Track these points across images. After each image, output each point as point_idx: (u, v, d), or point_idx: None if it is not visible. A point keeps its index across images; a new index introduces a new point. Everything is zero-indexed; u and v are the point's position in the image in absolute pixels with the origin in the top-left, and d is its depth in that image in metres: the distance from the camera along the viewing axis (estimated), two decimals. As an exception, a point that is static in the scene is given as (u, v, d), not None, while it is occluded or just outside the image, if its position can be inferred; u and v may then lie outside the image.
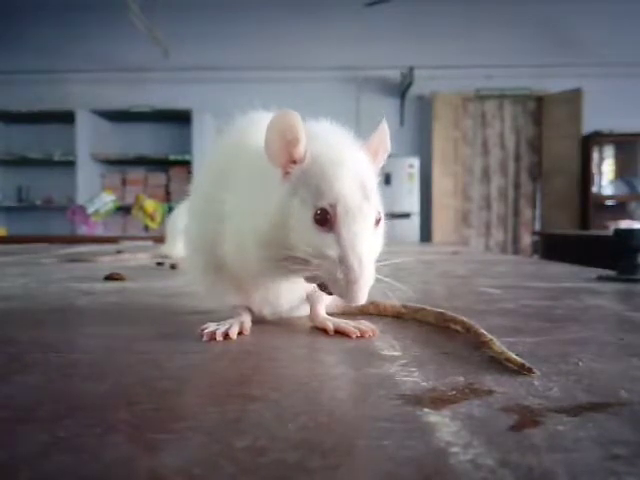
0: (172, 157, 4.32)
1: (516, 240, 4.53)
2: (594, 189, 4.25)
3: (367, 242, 0.42)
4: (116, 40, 4.34)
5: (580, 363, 0.39)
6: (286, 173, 0.44)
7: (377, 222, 0.44)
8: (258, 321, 0.54)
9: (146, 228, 3.31)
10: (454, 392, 0.33)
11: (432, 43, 4.36)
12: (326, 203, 0.41)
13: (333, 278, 0.41)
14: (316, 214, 0.41)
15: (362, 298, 0.41)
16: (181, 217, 1.36)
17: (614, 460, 0.23)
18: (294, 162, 0.43)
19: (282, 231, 0.43)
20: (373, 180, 0.45)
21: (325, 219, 0.41)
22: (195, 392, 0.34)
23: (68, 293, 0.80)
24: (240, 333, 0.49)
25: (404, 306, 0.59)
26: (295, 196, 0.42)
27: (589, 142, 4.21)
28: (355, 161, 0.44)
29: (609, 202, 4.38)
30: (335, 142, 0.45)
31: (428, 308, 0.56)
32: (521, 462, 0.23)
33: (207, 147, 4.18)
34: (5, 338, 0.49)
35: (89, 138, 4.27)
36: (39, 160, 4.37)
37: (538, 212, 4.50)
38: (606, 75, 4.25)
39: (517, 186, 4.52)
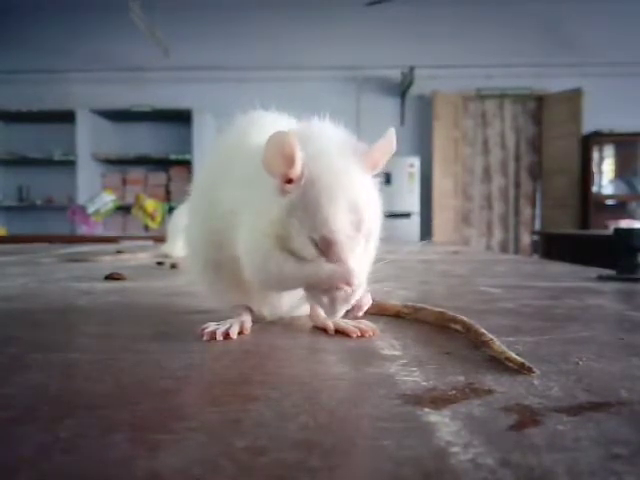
0: (172, 157, 4.32)
1: (517, 239, 4.53)
2: (594, 189, 4.25)
3: (357, 265, 0.43)
4: (116, 40, 4.34)
5: (580, 363, 0.39)
6: (284, 191, 0.43)
7: (368, 239, 0.45)
8: (258, 321, 0.54)
9: (146, 228, 3.31)
10: (454, 392, 0.33)
11: (432, 43, 4.36)
12: (319, 236, 0.42)
13: (321, 293, 0.44)
14: (312, 239, 0.42)
15: (340, 313, 0.44)
16: (182, 217, 1.36)
17: (614, 460, 0.23)
18: (291, 181, 0.43)
19: (283, 234, 0.43)
20: (369, 199, 0.45)
21: (318, 246, 0.43)
22: (195, 392, 0.34)
23: (68, 293, 0.80)
24: (240, 333, 0.49)
25: (404, 306, 0.59)
26: (293, 217, 0.43)
27: (589, 142, 4.21)
28: (351, 186, 0.43)
29: (609, 202, 4.37)
30: (333, 163, 0.44)
31: (428, 308, 0.56)
32: (521, 462, 0.23)
33: (207, 147, 4.18)
34: (5, 338, 0.50)
35: (89, 138, 4.27)
36: (39, 160, 4.37)
37: (538, 211, 4.50)
38: (606, 75, 4.25)
39: (517, 186, 4.51)
